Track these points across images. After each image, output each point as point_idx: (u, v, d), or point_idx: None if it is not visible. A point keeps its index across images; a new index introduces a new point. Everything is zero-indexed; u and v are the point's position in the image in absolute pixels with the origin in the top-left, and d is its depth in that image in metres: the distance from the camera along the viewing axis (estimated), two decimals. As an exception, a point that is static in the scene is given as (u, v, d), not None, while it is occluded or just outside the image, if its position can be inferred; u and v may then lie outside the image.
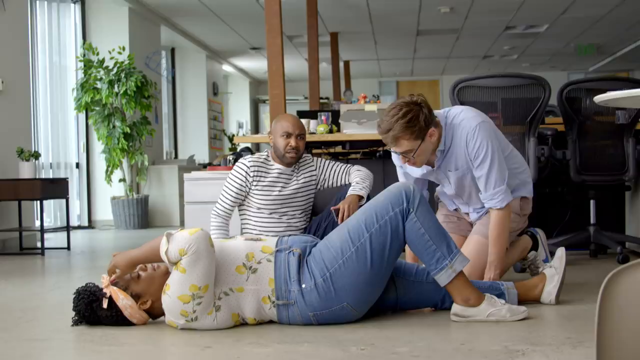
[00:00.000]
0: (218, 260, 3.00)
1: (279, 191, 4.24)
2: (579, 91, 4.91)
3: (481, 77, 4.73)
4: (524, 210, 3.90)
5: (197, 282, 2.87)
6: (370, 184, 4.25)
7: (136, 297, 3.05)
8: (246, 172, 4.23)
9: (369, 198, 4.03)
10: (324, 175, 4.39)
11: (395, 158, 3.85)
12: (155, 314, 3.11)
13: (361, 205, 3.65)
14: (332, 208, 4.17)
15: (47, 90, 9.50)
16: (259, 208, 4.23)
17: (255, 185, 4.22)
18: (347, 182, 4.36)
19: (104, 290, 3.06)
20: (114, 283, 3.06)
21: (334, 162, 4.46)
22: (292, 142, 4.22)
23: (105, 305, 3.04)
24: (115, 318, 3.05)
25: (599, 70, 18.12)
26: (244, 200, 4.26)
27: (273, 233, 4.14)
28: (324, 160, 4.45)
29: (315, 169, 4.39)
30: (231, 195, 4.23)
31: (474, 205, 3.88)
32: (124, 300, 3.04)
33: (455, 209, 4.02)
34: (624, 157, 4.98)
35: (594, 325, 1.58)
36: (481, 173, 3.60)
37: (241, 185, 4.23)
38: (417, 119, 3.43)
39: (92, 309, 3.06)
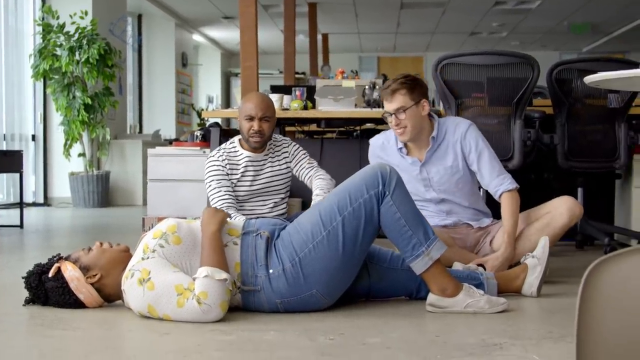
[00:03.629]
0: (187, 244, 2.98)
1: (251, 181, 4.23)
2: (570, 72, 4.92)
3: (466, 54, 4.73)
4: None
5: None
6: None
7: (84, 269, 3.05)
8: (220, 164, 4.22)
9: None
10: (292, 164, 4.37)
11: (375, 146, 4.08)
12: (107, 293, 3.10)
13: None
14: None
15: (1, 56, 9.40)
16: (237, 199, 4.21)
17: (230, 177, 4.21)
18: (307, 178, 4.34)
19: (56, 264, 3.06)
20: (66, 257, 3.09)
21: (305, 154, 4.42)
22: (255, 125, 4.16)
23: (51, 274, 3.03)
24: (61, 291, 3.04)
25: (593, 51, 18.22)
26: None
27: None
28: (299, 149, 4.42)
29: (288, 156, 4.36)
30: (220, 184, 4.18)
31: (460, 211, 4.04)
32: (71, 272, 3.04)
33: (444, 226, 4.04)
34: (615, 143, 5.00)
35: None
36: (483, 162, 3.90)
37: (224, 173, 4.20)
38: (416, 83, 3.87)
39: (39, 281, 3.07)
